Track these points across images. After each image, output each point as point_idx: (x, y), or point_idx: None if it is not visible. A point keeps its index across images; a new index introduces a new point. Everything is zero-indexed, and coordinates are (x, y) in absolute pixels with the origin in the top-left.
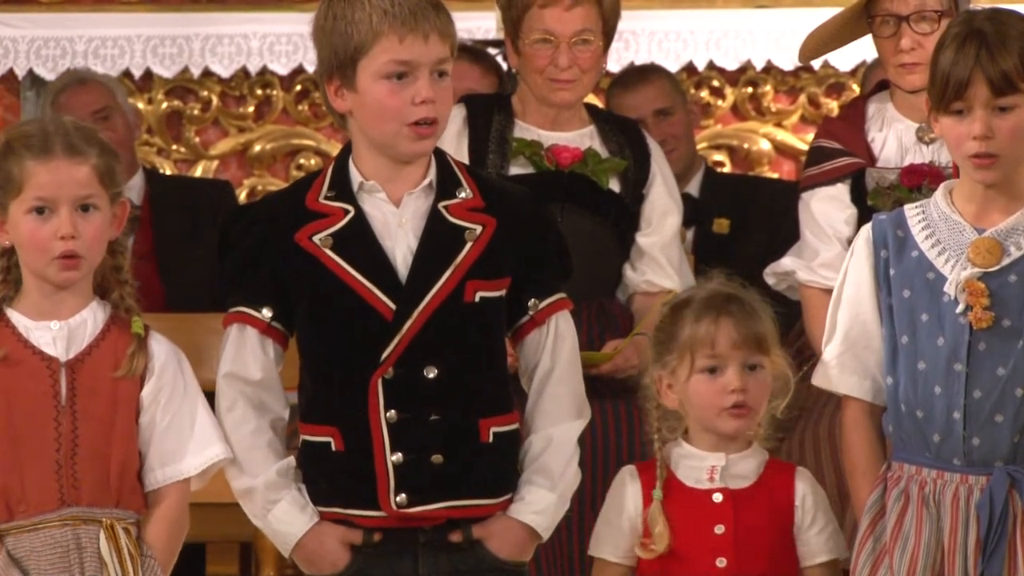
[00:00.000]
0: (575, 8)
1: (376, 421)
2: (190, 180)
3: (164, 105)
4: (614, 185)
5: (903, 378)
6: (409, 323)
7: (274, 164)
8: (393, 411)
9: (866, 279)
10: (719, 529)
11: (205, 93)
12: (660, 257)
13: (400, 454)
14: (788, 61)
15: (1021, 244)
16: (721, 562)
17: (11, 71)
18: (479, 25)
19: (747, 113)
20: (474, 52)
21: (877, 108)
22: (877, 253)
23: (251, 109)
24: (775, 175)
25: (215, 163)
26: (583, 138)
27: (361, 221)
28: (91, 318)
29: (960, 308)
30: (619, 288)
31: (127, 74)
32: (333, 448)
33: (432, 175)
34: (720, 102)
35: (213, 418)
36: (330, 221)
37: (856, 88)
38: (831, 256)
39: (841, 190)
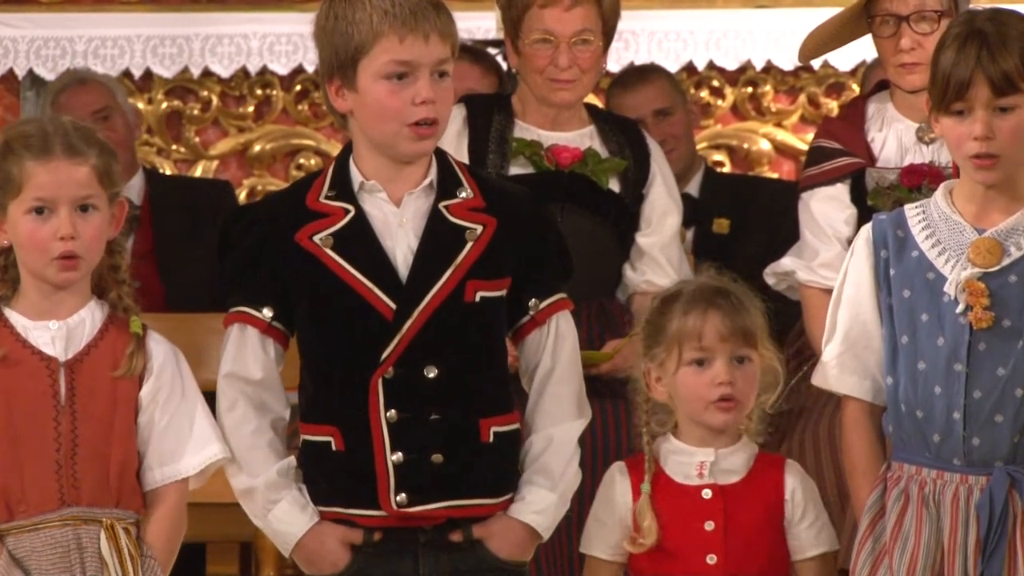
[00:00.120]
0: (575, 8)
1: (376, 421)
2: (190, 180)
3: (164, 105)
4: (614, 185)
5: (903, 378)
6: (409, 323)
7: (274, 164)
8: (393, 411)
9: (866, 279)
10: (709, 526)
11: (205, 93)
12: (660, 257)
13: (400, 454)
14: (788, 61)
15: (1021, 244)
16: (712, 559)
17: (11, 71)
18: (479, 25)
19: (747, 113)
20: (474, 52)
21: (877, 108)
22: (877, 253)
23: (251, 109)
24: (775, 175)
25: (215, 163)
26: (583, 138)
27: (361, 221)
28: (89, 318)
29: (960, 308)
30: (619, 288)
31: (127, 74)
32: (333, 448)
33: (433, 175)
34: (720, 102)
35: (211, 418)
36: (330, 221)
37: (856, 88)
38: (831, 256)
39: (841, 190)
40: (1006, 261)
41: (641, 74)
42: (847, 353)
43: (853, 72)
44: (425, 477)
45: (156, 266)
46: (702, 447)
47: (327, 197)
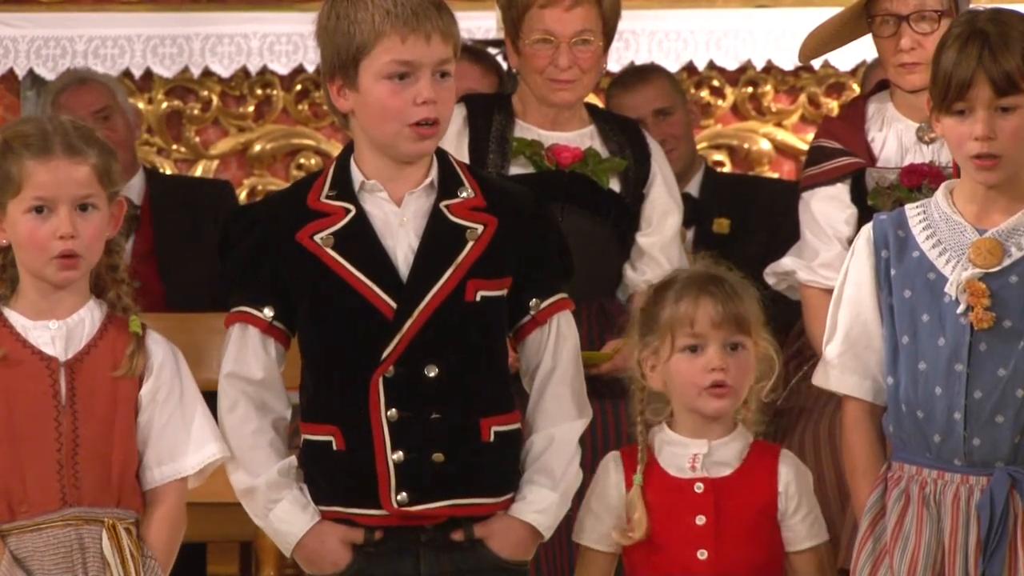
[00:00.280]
0: (575, 8)
1: (377, 420)
2: (190, 180)
3: (164, 105)
4: (614, 185)
5: (904, 378)
6: (410, 322)
7: (274, 164)
8: (394, 410)
9: (867, 279)
10: (700, 520)
11: (205, 93)
12: (660, 257)
13: (401, 453)
14: (788, 61)
15: (1022, 244)
16: (702, 554)
17: (11, 71)
18: (479, 25)
19: (747, 113)
20: (474, 52)
21: (877, 108)
22: (878, 253)
23: (251, 109)
24: (775, 175)
25: (215, 163)
26: (583, 138)
27: (362, 220)
28: (88, 317)
29: (961, 309)
30: (619, 288)
31: (127, 74)
32: (334, 447)
33: (434, 175)
34: (720, 102)
35: (210, 417)
36: (331, 220)
37: (856, 88)
38: (831, 256)
39: (841, 190)
40: (1007, 261)
41: (641, 74)
42: (848, 353)
43: (853, 72)
44: (426, 476)
45: (156, 266)
46: (696, 437)
47: (328, 197)
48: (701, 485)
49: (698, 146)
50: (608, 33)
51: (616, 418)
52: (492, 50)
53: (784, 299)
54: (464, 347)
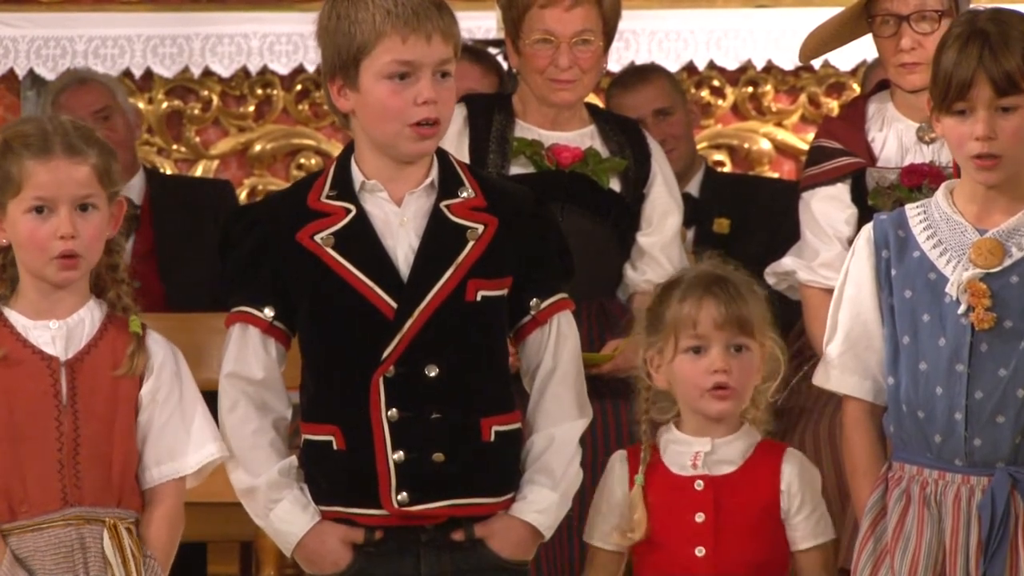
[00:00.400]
0: (575, 8)
1: (377, 420)
2: (190, 180)
3: (164, 105)
4: (614, 185)
5: (904, 378)
6: (410, 322)
7: (274, 164)
8: (394, 410)
9: (867, 279)
10: (699, 517)
11: (205, 93)
12: (661, 257)
13: (401, 452)
14: (788, 61)
15: (1023, 245)
16: (700, 551)
17: (11, 71)
18: (480, 24)
19: (747, 113)
20: (475, 52)
21: (877, 108)
22: (878, 253)
23: (251, 109)
24: (775, 175)
25: (215, 163)
26: (584, 138)
27: (363, 220)
28: (89, 317)
29: (962, 309)
30: (620, 288)
31: (127, 74)
32: (334, 447)
33: (434, 174)
34: (720, 102)
35: (210, 417)
36: (332, 220)
37: (856, 88)
38: (831, 256)
39: (841, 190)
40: (1008, 262)
41: (641, 74)
42: (848, 353)
43: (854, 72)
44: (426, 476)
45: (156, 266)
46: (701, 436)
47: (328, 197)
48: (701, 483)
49: (698, 146)
50: (608, 33)
51: (617, 418)
52: (492, 50)
53: (784, 299)
54: (464, 347)
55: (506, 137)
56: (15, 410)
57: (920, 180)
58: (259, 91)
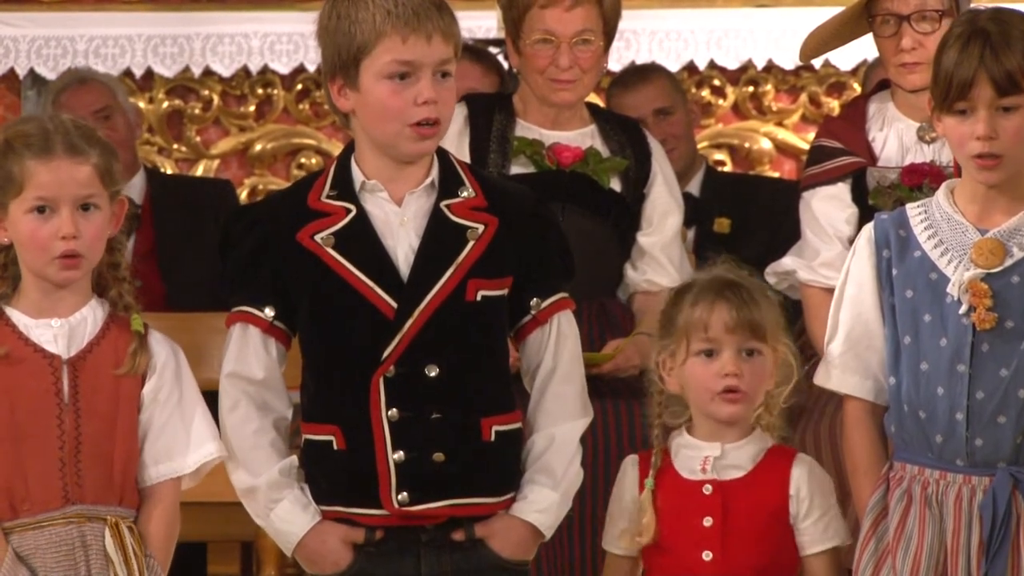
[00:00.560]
0: (576, 8)
1: (377, 420)
2: (191, 179)
3: (165, 104)
4: (615, 184)
5: (905, 378)
6: (410, 322)
7: (275, 163)
8: (395, 410)
9: (868, 279)
10: (707, 522)
11: (206, 92)
12: (661, 256)
13: (402, 452)
14: (789, 60)
15: None
16: (707, 555)
17: (12, 70)
18: (480, 24)
19: (748, 112)
20: (475, 51)
21: (878, 107)
22: (879, 252)
23: (252, 108)
24: (776, 174)
25: (216, 162)
26: (584, 137)
27: (363, 220)
28: (91, 316)
29: (963, 309)
30: (620, 288)
31: (128, 73)
32: (335, 447)
33: (434, 174)
34: (721, 101)
35: (209, 416)
36: (332, 220)
37: (857, 87)
38: (832, 255)
39: (842, 189)
40: (1009, 262)
41: (641, 73)
42: (849, 353)
43: (854, 71)
44: (426, 476)
45: (157, 265)
46: (712, 441)
47: (328, 196)
48: (710, 487)
49: (699, 145)
50: (609, 33)
51: (617, 418)
52: (493, 49)
53: (785, 299)
54: (465, 347)
55: (507, 137)
56: (17, 409)
57: (921, 180)
58: (260, 91)
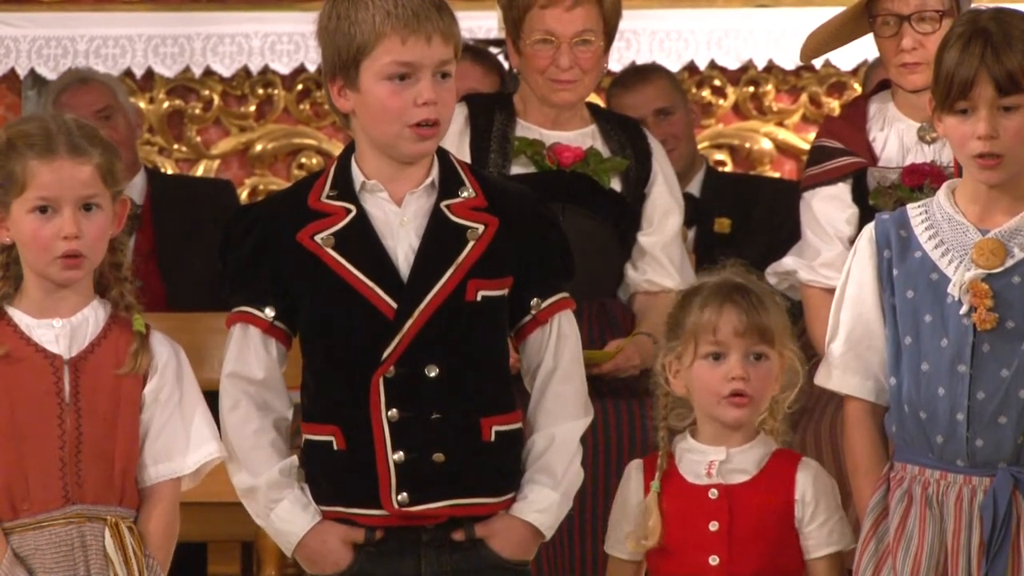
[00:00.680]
0: (576, 8)
1: (377, 420)
2: (191, 179)
3: (165, 104)
4: (615, 184)
5: (906, 379)
6: (410, 322)
7: (275, 163)
8: (394, 410)
9: (869, 279)
10: (713, 526)
11: (206, 92)
12: (661, 256)
13: (402, 453)
14: (789, 60)
15: None
16: (714, 560)
17: (12, 70)
18: (480, 24)
19: (748, 112)
20: (476, 51)
21: (878, 107)
22: (880, 253)
23: (252, 108)
24: (776, 174)
25: (216, 162)
26: (585, 137)
27: (363, 220)
28: (92, 316)
29: (964, 309)
30: (620, 288)
31: (128, 73)
32: (335, 447)
33: (435, 174)
34: (721, 101)
35: (210, 417)
36: (332, 220)
37: (857, 87)
38: (832, 256)
39: (842, 189)
40: (1010, 262)
41: (641, 74)
42: (850, 353)
43: (855, 71)
44: (426, 476)
45: (157, 265)
46: (716, 445)
47: (328, 197)
48: (716, 491)
49: (699, 146)
50: (609, 33)
51: (617, 418)
52: (493, 50)
53: (785, 299)
54: (465, 347)
55: (507, 137)
56: (17, 409)
57: (921, 180)
58: (260, 91)
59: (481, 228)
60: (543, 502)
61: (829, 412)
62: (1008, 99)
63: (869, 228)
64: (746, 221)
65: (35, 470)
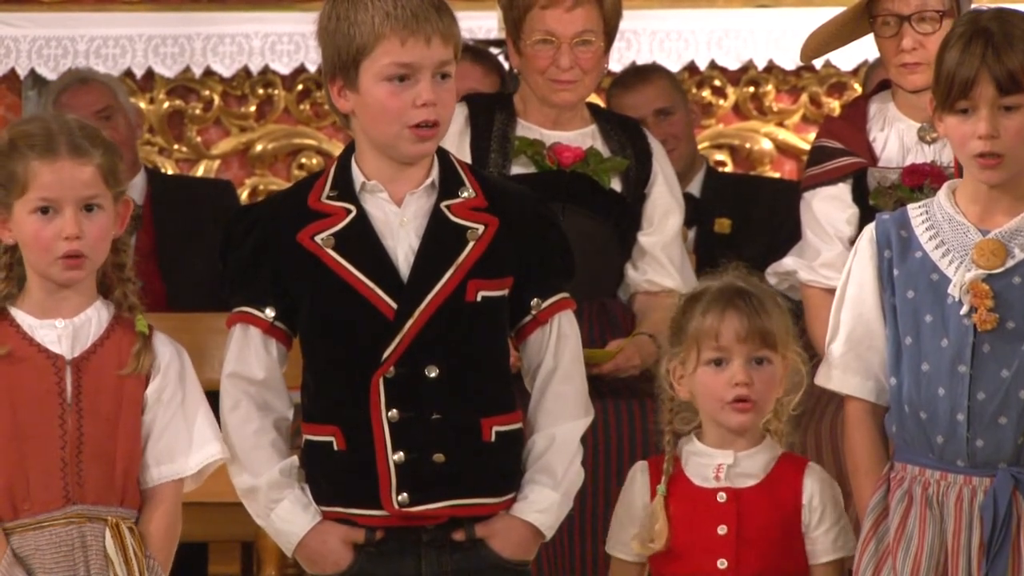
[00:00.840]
0: (576, 9)
1: (378, 420)
2: (192, 180)
3: (166, 105)
4: (616, 184)
5: (907, 379)
6: (410, 322)
7: (276, 164)
8: (395, 410)
9: (869, 279)
10: (722, 530)
11: (207, 92)
12: (662, 256)
13: (402, 453)
14: (790, 60)
15: None
16: (722, 563)
17: (13, 71)
18: (480, 24)
19: (749, 112)
20: (476, 52)
21: (879, 108)
22: (880, 253)
23: (253, 108)
24: (777, 175)
25: (217, 163)
26: (585, 137)
27: (363, 221)
28: (95, 316)
29: (964, 310)
30: (621, 288)
31: (129, 74)
32: (335, 447)
33: (435, 175)
34: (722, 101)
35: (212, 417)
36: (332, 221)
37: (858, 87)
38: (832, 256)
39: (843, 190)
40: (1010, 263)
41: (641, 74)
42: (850, 353)
43: (855, 72)
44: (427, 476)
45: (158, 265)
46: (723, 448)
47: (329, 197)
48: (724, 495)
49: (699, 146)
50: (609, 33)
51: (617, 418)
52: (493, 50)
53: (785, 299)
54: (465, 347)
55: (507, 137)
56: (19, 409)
57: (921, 180)
58: (260, 91)
59: (481, 228)
60: (543, 502)
61: (829, 412)
62: (1009, 99)
63: (870, 228)
64: (746, 221)
65: (36, 470)
